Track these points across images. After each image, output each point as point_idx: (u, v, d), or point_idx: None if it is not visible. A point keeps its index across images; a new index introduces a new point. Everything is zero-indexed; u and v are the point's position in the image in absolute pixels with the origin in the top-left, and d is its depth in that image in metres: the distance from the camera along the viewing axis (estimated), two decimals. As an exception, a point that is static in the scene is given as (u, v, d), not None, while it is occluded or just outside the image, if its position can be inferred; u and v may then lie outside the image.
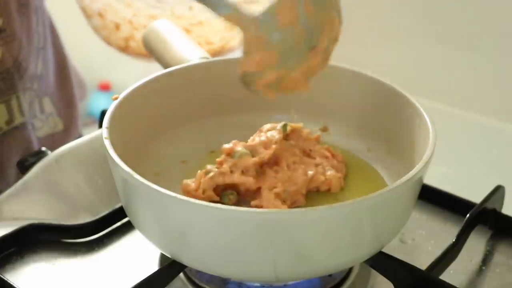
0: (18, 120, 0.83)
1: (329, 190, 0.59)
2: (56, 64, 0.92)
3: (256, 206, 0.56)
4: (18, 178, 0.69)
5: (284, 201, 0.56)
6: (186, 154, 0.65)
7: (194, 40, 1.05)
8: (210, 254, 0.50)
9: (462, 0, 1.06)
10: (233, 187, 0.57)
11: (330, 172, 0.59)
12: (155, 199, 0.49)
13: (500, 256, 0.62)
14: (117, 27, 1.08)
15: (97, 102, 1.87)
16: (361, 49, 1.14)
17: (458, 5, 1.06)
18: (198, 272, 0.58)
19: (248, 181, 0.56)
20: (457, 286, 0.54)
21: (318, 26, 0.52)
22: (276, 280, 0.54)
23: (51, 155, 0.71)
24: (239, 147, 0.58)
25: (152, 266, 0.59)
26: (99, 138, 0.55)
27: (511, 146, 0.89)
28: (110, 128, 0.55)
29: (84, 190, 0.69)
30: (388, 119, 0.62)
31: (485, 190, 0.65)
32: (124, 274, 0.59)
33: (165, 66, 0.72)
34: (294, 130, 0.61)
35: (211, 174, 0.57)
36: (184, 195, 0.55)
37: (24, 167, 0.71)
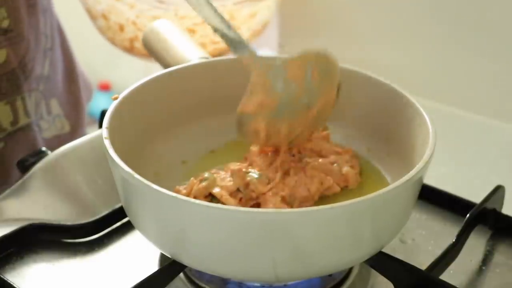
0: (23, 121, 0.82)
1: (346, 187, 0.59)
2: (64, 66, 0.92)
3: (258, 206, 0.56)
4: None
5: (290, 205, 0.55)
6: (186, 154, 0.65)
7: (199, 39, 1.05)
8: (210, 254, 0.50)
9: (462, 0, 1.06)
10: None
11: (346, 169, 0.59)
12: (155, 199, 0.49)
13: (500, 256, 0.62)
14: (121, 28, 1.09)
15: (97, 102, 1.86)
16: (361, 49, 1.14)
17: (458, 5, 1.06)
18: (198, 272, 0.58)
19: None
20: (457, 286, 0.54)
21: (318, 91, 0.57)
22: (276, 280, 0.54)
23: (51, 155, 0.71)
24: (255, 174, 0.56)
25: (152, 266, 0.59)
26: (99, 138, 0.54)
27: (511, 146, 0.89)
28: (110, 128, 0.55)
29: (84, 190, 0.69)
30: (388, 119, 0.62)
31: (485, 190, 0.65)
32: (124, 274, 0.59)
33: (165, 66, 0.72)
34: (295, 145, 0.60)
35: (205, 183, 0.56)
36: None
37: (24, 167, 0.71)
